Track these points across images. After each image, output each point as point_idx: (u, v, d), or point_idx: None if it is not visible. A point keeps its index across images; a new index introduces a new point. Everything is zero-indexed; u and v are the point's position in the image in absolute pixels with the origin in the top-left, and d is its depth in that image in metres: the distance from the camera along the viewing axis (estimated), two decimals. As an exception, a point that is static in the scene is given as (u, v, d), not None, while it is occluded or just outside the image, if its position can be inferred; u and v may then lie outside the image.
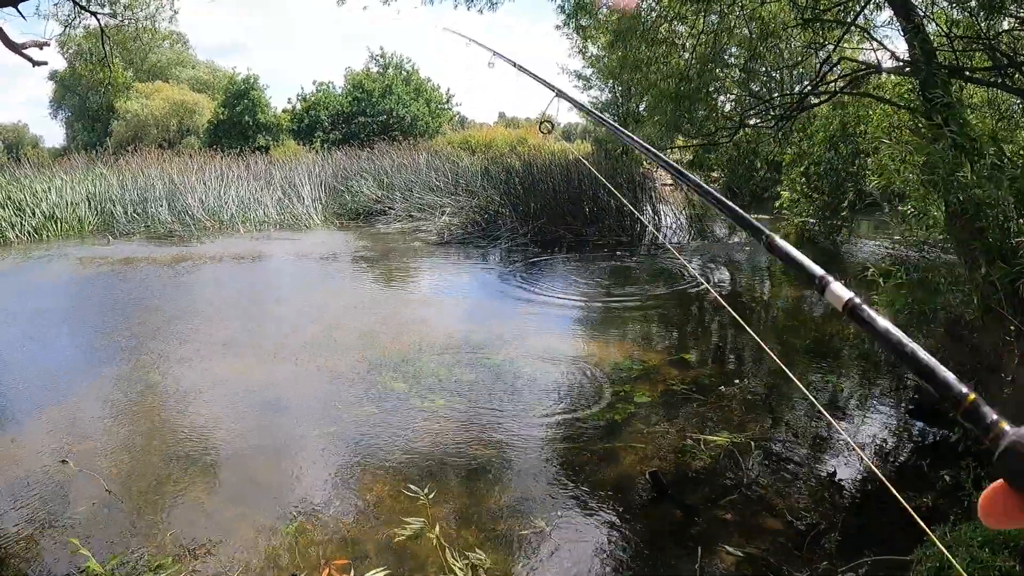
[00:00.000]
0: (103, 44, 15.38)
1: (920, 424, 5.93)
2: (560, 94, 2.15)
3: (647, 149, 1.39)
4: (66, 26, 15.13)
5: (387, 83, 37.71)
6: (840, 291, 0.71)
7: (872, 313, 0.65)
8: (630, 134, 1.56)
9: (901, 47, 8.89)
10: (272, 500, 5.06)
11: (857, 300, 0.69)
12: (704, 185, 1.15)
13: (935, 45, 8.11)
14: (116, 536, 4.60)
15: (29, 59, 14.18)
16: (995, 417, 0.52)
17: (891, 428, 5.90)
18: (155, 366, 8.07)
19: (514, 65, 2.69)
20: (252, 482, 5.36)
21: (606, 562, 4.25)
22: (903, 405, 6.40)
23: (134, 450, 5.93)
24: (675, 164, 1.26)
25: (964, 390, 0.55)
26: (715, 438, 5.58)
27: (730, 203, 1.06)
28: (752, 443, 5.51)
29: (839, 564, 3.96)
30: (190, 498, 5.11)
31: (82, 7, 14.32)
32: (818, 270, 0.81)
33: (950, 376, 0.56)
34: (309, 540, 4.47)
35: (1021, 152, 7.38)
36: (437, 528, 3.96)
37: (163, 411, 6.83)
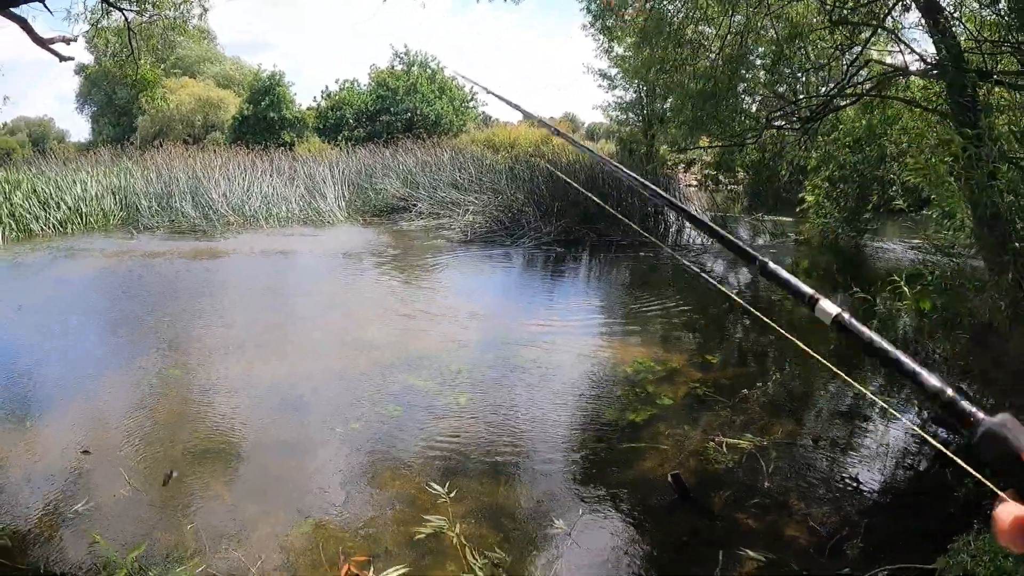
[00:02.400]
0: (130, 40, 15.46)
1: (943, 431, 5.86)
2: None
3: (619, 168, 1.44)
4: (93, 24, 15.22)
5: (411, 81, 37.75)
6: (828, 307, 0.78)
7: (858, 325, 0.72)
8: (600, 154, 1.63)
9: (929, 50, 8.80)
10: (292, 495, 5.08)
11: (845, 315, 0.75)
12: (697, 216, 1.24)
13: (964, 48, 8.02)
14: (137, 528, 4.63)
15: (56, 54, 14.32)
16: (971, 409, 0.59)
17: (913, 435, 5.83)
18: (177, 361, 8.13)
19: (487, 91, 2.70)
20: (272, 477, 5.39)
21: (626, 564, 4.23)
22: (926, 412, 6.33)
23: (155, 443, 5.96)
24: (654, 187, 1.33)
25: (944, 387, 0.63)
26: (738, 441, 5.55)
27: (721, 231, 1.17)
28: (775, 446, 5.48)
29: (861, 571, 3.92)
30: (211, 492, 5.15)
31: (109, 3, 14.40)
32: (807, 289, 0.87)
33: (932, 379, 0.63)
34: (328, 535, 4.48)
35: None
36: (458, 526, 3.97)
37: (184, 405, 6.88)
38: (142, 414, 6.60)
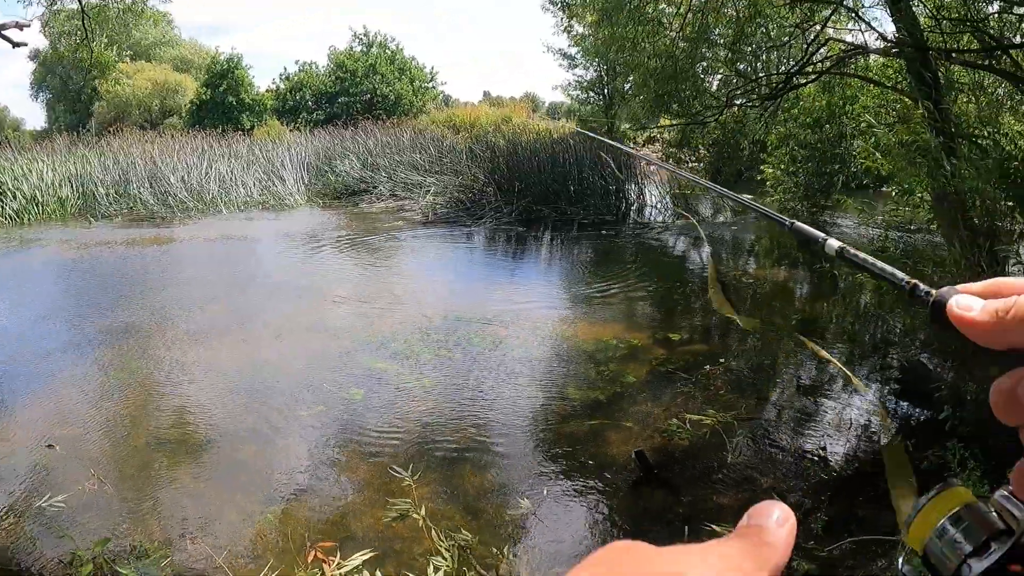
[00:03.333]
0: (84, 23, 15.12)
1: (905, 405, 5.95)
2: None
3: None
4: (48, 6, 14.87)
5: (370, 62, 37.43)
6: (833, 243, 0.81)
7: (855, 251, 0.76)
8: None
9: (889, 28, 8.88)
10: (257, 483, 5.03)
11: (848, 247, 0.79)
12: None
13: (924, 27, 8.09)
14: (102, 521, 4.56)
15: (8, 40, 13.91)
16: (928, 288, 0.63)
17: (876, 408, 5.90)
18: (138, 350, 8.00)
19: None
20: (237, 466, 5.33)
21: (591, 541, 4.25)
22: (889, 386, 6.41)
23: (120, 435, 5.89)
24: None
25: (907, 278, 0.67)
26: (702, 417, 5.58)
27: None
28: (737, 422, 5.52)
29: (825, 544, 3.96)
30: (176, 483, 5.08)
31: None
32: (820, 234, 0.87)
33: (898, 272, 0.68)
34: (294, 523, 4.45)
35: (1006, 134, 7.38)
36: (423, 509, 3.95)
37: (148, 395, 6.78)
38: (105, 406, 6.51)
